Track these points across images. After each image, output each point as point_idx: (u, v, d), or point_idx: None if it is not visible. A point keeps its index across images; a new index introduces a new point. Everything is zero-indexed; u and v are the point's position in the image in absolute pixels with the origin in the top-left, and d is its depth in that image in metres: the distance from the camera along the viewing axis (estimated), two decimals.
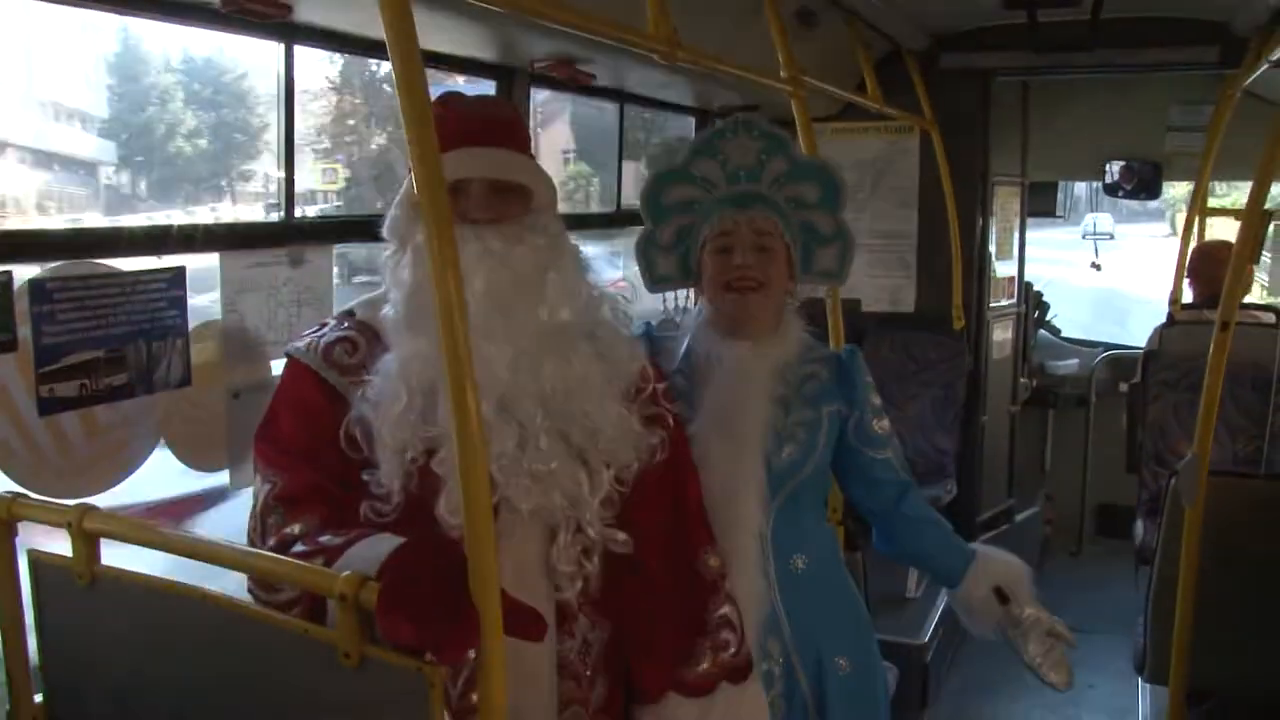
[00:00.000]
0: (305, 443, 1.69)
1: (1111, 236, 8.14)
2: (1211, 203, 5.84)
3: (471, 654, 1.36)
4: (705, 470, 2.15)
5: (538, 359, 1.71)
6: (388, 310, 1.73)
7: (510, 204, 1.76)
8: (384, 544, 1.44)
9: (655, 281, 2.41)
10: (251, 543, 1.66)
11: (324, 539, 1.54)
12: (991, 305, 5.40)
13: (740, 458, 2.21)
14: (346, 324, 1.80)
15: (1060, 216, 6.77)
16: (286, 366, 1.79)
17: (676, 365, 2.31)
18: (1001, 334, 5.55)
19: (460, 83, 3.28)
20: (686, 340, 2.35)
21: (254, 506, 1.70)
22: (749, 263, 2.23)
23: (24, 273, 1.93)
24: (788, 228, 2.30)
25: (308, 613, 1.52)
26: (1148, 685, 3.41)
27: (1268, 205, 2.70)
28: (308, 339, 1.79)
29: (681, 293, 2.46)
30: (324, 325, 1.83)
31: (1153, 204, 5.33)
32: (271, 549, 1.60)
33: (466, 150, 1.73)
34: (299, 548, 1.55)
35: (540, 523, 1.73)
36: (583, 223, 4.19)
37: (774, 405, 2.25)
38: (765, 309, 2.28)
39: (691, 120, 4.77)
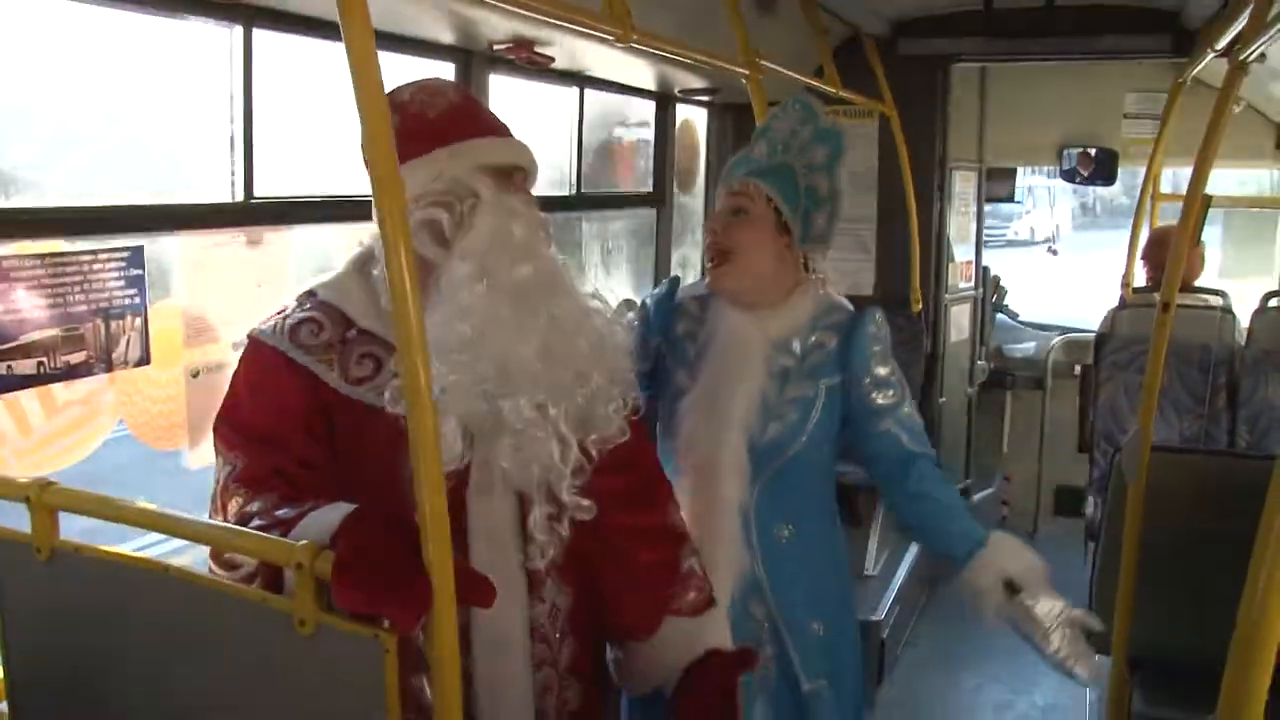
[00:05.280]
0: (267, 426, 1.70)
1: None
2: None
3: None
4: (690, 447, 2.22)
5: (568, 338, 1.76)
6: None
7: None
8: (336, 512, 1.47)
9: None
10: None
11: (280, 513, 1.56)
12: (949, 288, 5.48)
13: (721, 438, 2.24)
14: (309, 305, 1.80)
15: (1018, 202, 6.86)
16: (248, 349, 1.78)
17: (687, 328, 2.35)
18: (959, 317, 5.63)
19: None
20: (702, 302, 2.37)
21: (214, 488, 1.70)
22: (716, 230, 2.28)
23: None
24: (782, 192, 2.29)
25: (265, 588, 1.54)
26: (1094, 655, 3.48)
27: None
28: (272, 321, 1.79)
29: None
30: (285, 309, 1.83)
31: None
32: None
33: (506, 140, 1.82)
34: (256, 523, 1.57)
35: (511, 492, 1.77)
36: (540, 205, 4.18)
37: (771, 379, 2.27)
38: (740, 278, 2.29)
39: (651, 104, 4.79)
